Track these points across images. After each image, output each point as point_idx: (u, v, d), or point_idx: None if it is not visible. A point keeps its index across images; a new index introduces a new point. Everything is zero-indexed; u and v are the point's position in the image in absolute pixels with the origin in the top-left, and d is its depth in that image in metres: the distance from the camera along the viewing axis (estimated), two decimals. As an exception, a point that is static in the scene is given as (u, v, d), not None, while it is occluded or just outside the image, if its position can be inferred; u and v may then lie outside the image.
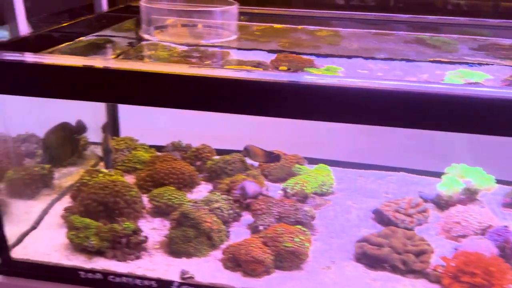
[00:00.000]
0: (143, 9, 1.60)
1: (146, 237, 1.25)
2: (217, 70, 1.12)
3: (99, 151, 1.81)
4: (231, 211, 1.40)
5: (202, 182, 1.65)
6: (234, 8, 1.63)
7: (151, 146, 1.85)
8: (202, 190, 1.61)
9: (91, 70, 1.00)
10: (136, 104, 1.05)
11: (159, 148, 1.85)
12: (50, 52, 1.23)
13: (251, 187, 1.46)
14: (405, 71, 1.33)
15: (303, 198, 1.49)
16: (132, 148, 1.79)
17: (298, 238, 1.19)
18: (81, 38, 1.44)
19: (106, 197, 1.33)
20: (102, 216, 1.33)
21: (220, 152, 1.79)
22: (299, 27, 1.80)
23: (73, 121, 1.58)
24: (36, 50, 1.18)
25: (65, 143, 1.54)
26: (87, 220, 1.25)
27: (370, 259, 1.22)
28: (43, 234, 1.34)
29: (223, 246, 1.29)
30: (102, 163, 1.77)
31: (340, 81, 0.97)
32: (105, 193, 1.34)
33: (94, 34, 1.51)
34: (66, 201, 1.50)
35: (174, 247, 1.25)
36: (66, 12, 1.75)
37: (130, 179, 1.62)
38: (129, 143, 1.80)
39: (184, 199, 1.43)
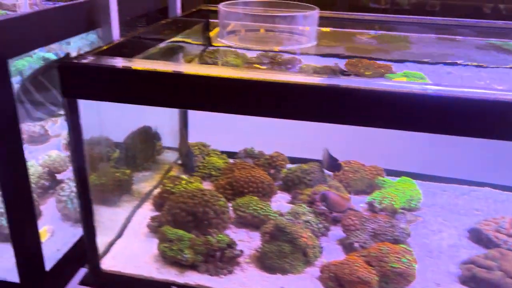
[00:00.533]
0: (222, 13, 1.55)
1: (241, 251, 1.21)
2: (309, 78, 1.04)
3: (171, 155, 1.78)
4: (320, 225, 1.34)
5: (278, 191, 1.61)
6: (316, 13, 1.57)
7: (222, 152, 1.81)
8: (280, 200, 1.56)
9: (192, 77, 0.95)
10: (226, 112, 0.99)
11: (230, 154, 1.81)
12: (147, 58, 1.20)
13: (335, 198, 1.40)
14: (498, 79, 1.26)
15: (392, 213, 1.42)
16: (206, 154, 1.75)
17: (405, 259, 1.13)
18: (162, 44, 1.42)
19: (195, 206, 1.29)
20: (191, 227, 1.29)
21: (292, 160, 1.74)
22: (361, 31, 1.74)
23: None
24: (130, 56, 1.14)
25: (147, 147, 1.51)
26: (180, 232, 1.21)
27: (480, 283, 1.14)
28: (130, 243, 1.30)
29: (318, 263, 1.24)
30: (175, 168, 1.75)
31: (453, 91, 0.88)
32: (194, 203, 1.30)
33: (173, 39, 1.48)
34: (148, 208, 1.47)
35: (269, 262, 1.20)
36: (142, 16, 1.72)
37: (206, 186, 1.58)
38: (202, 149, 1.76)
39: (270, 210, 1.38)
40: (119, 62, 1.02)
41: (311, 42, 1.55)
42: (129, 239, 1.32)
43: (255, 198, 1.43)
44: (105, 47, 1.14)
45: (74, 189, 1.34)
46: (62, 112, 1.28)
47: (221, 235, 1.21)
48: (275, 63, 1.58)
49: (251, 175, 1.53)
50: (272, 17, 1.60)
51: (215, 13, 1.82)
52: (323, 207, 1.40)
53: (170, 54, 1.42)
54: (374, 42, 1.74)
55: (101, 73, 0.97)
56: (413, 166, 1.80)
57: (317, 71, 1.47)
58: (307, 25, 1.58)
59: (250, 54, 1.60)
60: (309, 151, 1.88)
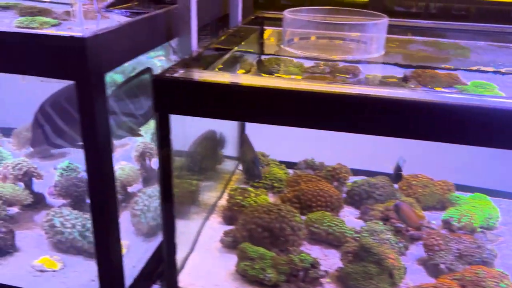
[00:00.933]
0: (287, 21, 1.51)
1: (326, 271, 1.16)
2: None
3: (229, 164, 1.75)
4: (400, 244, 1.29)
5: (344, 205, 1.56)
6: (385, 22, 1.51)
7: (280, 162, 1.77)
8: (348, 215, 1.51)
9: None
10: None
11: (288, 165, 1.77)
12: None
13: (408, 211, 1.35)
14: None
15: (471, 232, 1.36)
16: (265, 164, 1.71)
17: (504, 284, 1.07)
18: (237, 54, 1.38)
19: (272, 222, 1.25)
20: (266, 243, 1.24)
21: (353, 172, 1.70)
22: (411, 37, 1.68)
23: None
24: (205, 67, 1.11)
25: (212, 154, 1.48)
26: (261, 250, 1.17)
27: None
28: (204, 259, 1.26)
29: (402, 285, 1.18)
30: (234, 178, 1.71)
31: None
32: (270, 218, 1.26)
33: (239, 49, 1.44)
34: (216, 221, 1.43)
35: (353, 284, 1.15)
36: (207, 26, 1.69)
37: (270, 198, 1.54)
38: (261, 159, 1.72)
39: (346, 227, 1.33)
40: (218, 76, 0.98)
41: (379, 51, 1.50)
42: (202, 254, 1.28)
43: (328, 213, 1.38)
44: (189, 59, 1.11)
45: (147, 203, 1.31)
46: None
47: (304, 254, 1.16)
48: (335, 72, 1.53)
49: (319, 189, 1.49)
50: (340, 25, 1.55)
51: (269, 20, 1.78)
52: (400, 225, 1.35)
53: (248, 65, 1.38)
54: (430, 49, 1.69)
55: (201, 89, 0.93)
56: (476, 181, 1.74)
57: (388, 83, 1.42)
58: (376, 33, 1.53)
59: (306, 63, 1.55)
60: (368, 163, 1.83)
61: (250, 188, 1.48)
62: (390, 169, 1.60)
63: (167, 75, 0.95)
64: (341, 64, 1.50)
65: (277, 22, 1.76)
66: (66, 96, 1.13)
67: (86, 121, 0.88)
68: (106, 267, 1.04)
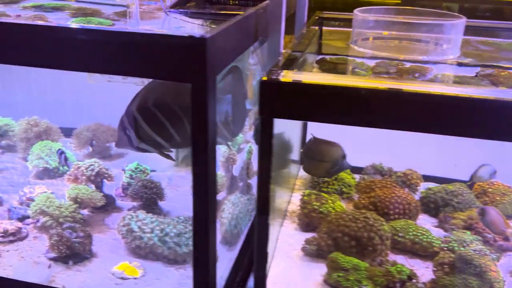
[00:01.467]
0: (358, 21, 1.46)
1: (424, 283, 1.11)
2: None
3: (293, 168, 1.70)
4: (494, 256, 1.23)
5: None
6: (463, 22, 1.45)
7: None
8: (425, 223, 1.45)
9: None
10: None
11: (354, 169, 1.71)
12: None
13: (495, 216, 1.29)
14: None
15: None
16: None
17: None
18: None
19: (360, 231, 1.20)
20: (353, 252, 1.20)
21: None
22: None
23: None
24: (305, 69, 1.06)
25: (282, 156, 1.42)
26: (355, 260, 1.12)
27: None
28: (287, 268, 1.21)
29: (501, 299, 1.13)
30: (298, 181, 1.66)
31: None
32: (357, 227, 1.21)
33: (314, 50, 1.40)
34: (291, 227, 1.38)
35: (451, 298, 1.10)
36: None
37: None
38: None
39: (432, 236, 1.28)
40: (331, 78, 0.93)
41: (455, 53, 1.44)
42: (284, 263, 1.24)
43: (412, 222, 1.33)
44: (288, 61, 1.06)
45: (231, 211, 1.28)
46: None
47: (400, 266, 1.11)
48: (403, 72, 1.47)
49: (396, 195, 1.43)
50: (416, 25, 1.50)
51: (328, 20, 1.73)
52: (488, 234, 1.29)
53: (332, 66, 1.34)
54: (492, 49, 1.63)
55: (315, 92, 0.88)
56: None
57: (469, 82, 1.36)
58: (453, 34, 1.47)
59: (368, 62, 1.49)
60: (435, 168, 1.77)
61: (324, 194, 1.43)
62: (467, 176, 1.54)
63: (274, 77, 0.91)
64: (407, 64, 1.45)
65: (334, 22, 1.72)
66: (154, 101, 1.09)
67: (199, 125, 0.84)
68: (202, 277, 1.00)
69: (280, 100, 0.91)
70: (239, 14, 1.05)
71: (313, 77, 0.94)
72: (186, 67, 0.81)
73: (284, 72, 0.94)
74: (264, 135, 0.95)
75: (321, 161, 1.34)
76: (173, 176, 1.68)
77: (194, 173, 0.89)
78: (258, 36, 1.19)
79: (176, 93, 1.08)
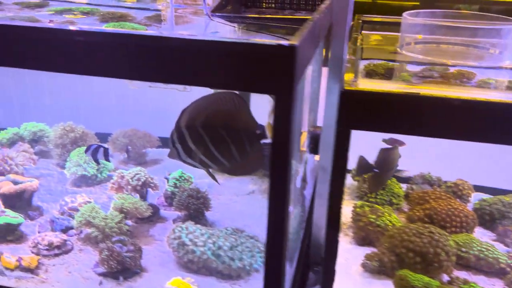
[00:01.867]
0: (407, 24, 1.41)
1: (500, 305, 1.05)
2: None
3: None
4: None
5: (473, 226, 1.44)
6: (518, 26, 1.39)
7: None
8: (481, 237, 1.39)
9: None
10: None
11: (399, 179, 1.65)
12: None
13: None
14: None
15: None
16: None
17: None
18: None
19: (425, 246, 1.14)
20: (418, 269, 1.14)
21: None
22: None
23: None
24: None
25: None
26: (426, 279, 1.06)
27: None
28: (350, 285, 1.16)
29: None
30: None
31: None
32: (423, 242, 1.15)
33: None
34: (345, 241, 1.33)
35: (527, 319, 1.04)
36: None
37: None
38: (375, 172, 1.61)
39: (499, 252, 1.22)
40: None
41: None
42: (345, 280, 1.18)
43: (473, 236, 1.27)
44: (366, 69, 1.01)
45: (292, 224, 1.22)
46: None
47: (473, 284, 1.05)
48: (448, 76, 1.41)
49: (452, 208, 1.37)
50: (472, 29, 1.44)
51: (368, 24, 1.67)
52: (555, 251, 1.23)
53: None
54: None
55: (401, 102, 0.82)
56: None
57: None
58: (510, 39, 1.41)
59: (411, 68, 1.44)
60: (482, 177, 1.71)
61: (377, 206, 1.38)
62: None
63: (355, 88, 0.86)
64: (452, 69, 1.39)
65: (374, 25, 1.66)
66: (202, 122, 1.04)
67: (282, 137, 0.79)
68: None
69: (363, 111, 0.86)
70: (307, 18, 1.00)
71: (398, 86, 0.89)
72: (271, 78, 0.75)
73: (359, 81, 0.89)
74: (340, 148, 0.90)
75: (389, 170, 1.28)
76: (212, 183, 1.63)
77: (271, 186, 0.83)
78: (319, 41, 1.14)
79: (225, 115, 1.04)
